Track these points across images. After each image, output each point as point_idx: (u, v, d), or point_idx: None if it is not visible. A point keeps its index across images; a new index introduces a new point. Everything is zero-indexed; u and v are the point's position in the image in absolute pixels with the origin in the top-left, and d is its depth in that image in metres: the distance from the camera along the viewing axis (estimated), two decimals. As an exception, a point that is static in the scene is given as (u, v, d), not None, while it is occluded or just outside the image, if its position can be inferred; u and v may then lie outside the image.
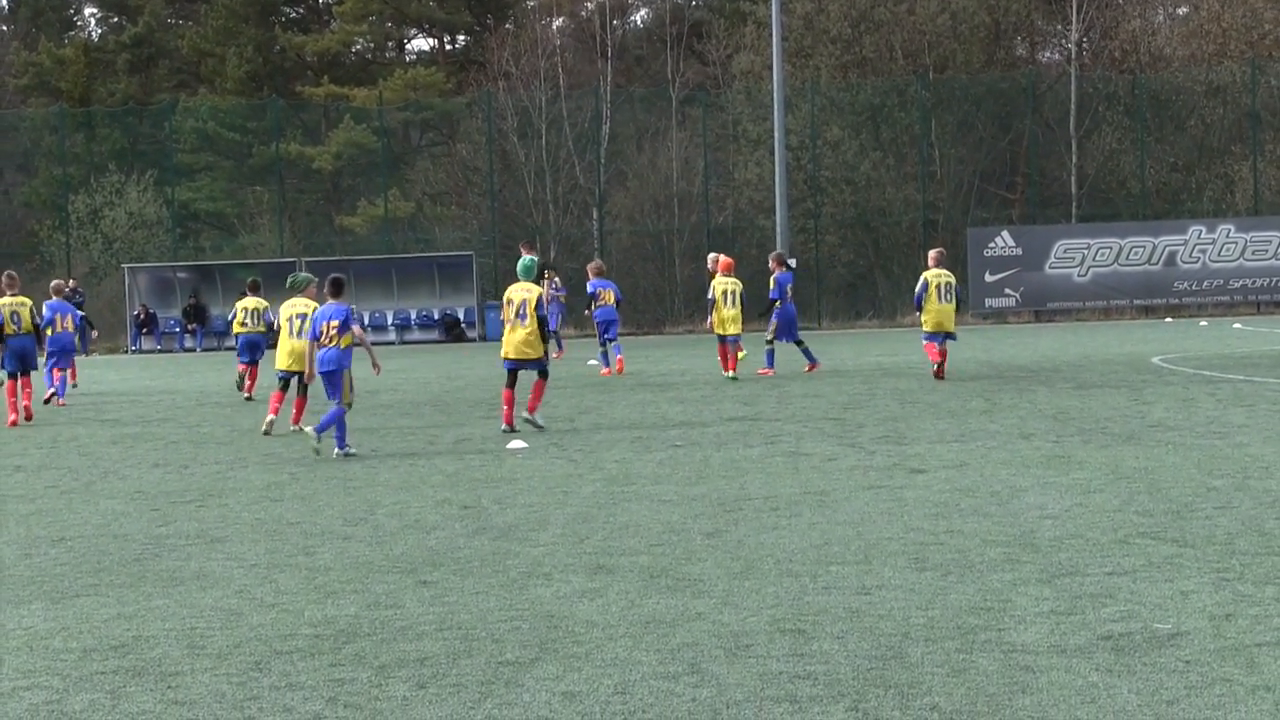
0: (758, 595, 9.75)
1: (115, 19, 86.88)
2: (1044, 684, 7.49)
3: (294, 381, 22.09)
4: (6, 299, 25.76)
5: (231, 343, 32.99)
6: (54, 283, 31.99)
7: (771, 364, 30.17)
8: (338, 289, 19.46)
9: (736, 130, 64.86)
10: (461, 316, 59.61)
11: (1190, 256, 55.72)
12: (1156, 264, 55.74)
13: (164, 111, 68.51)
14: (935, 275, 27.97)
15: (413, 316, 59.83)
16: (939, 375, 27.05)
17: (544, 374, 21.19)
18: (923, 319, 27.89)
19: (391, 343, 57.03)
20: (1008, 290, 56.20)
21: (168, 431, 23.08)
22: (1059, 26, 70.61)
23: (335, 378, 19.14)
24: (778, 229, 55.98)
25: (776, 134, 56.11)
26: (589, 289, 33.30)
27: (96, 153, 68.96)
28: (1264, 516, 11.97)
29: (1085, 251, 56.04)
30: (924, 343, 28.16)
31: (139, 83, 79.28)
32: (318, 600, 10.10)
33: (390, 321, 59.82)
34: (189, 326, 59.63)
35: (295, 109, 72.85)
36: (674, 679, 7.83)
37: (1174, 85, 63.06)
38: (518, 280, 21.27)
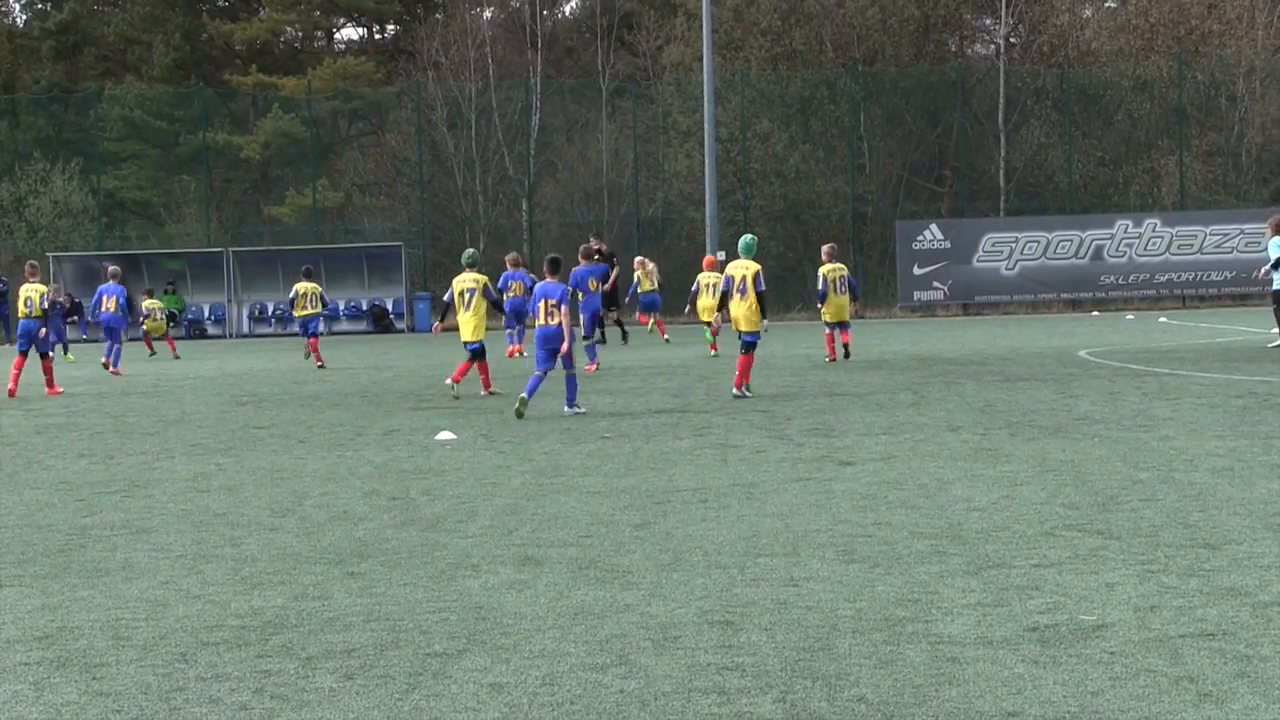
0: (686, 587, 9.75)
1: (40, 5, 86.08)
2: (970, 675, 7.52)
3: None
4: (25, 285, 29.48)
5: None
6: (112, 268, 38.33)
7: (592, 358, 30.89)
8: (555, 268, 21.74)
9: (666, 122, 64.91)
10: (390, 308, 59.43)
11: (1117, 250, 56.11)
12: (1084, 258, 56.10)
13: (90, 99, 67.97)
14: (830, 270, 30.20)
15: (341, 307, 59.57)
16: (835, 359, 29.93)
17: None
18: (824, 312, 30.46)
19: (319, 334, 56.65)
20: (936, 283, 56.46)
21: (93, 422, 22.90)
22: (988, 21, 71.00)
23: (558, 347, 21.21)
24: (707, 221, 56.07)
25: (706, 126, 56.20)
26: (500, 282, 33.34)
27: (21, 140, 68.39)
28: (1188, 509, 12.06)
29: (1013, 245, 56.35)
30: (826, 333, 30.66)
31: (64, 70, 78.61)
32: (244, 591, 10.04)
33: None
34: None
35: (223, 98, 72.42)
36: (602, 670, 7.82)
37: (1102, 80, 63.47)
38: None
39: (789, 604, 9.17)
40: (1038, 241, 56.33)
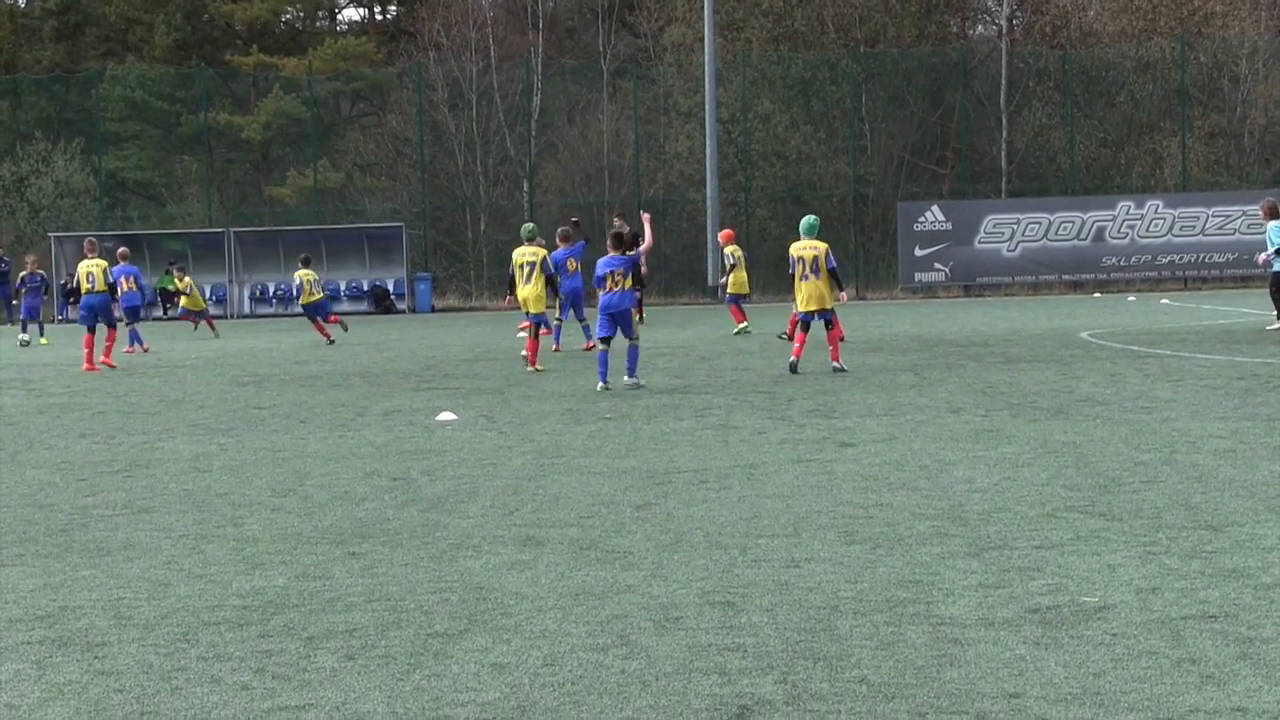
0: (687, 568, 9.76)
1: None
2: (972, 656, 7.52)
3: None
4: (85, 262, 30.22)
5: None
6: (121, 249, 37.43)
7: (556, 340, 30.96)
8: (619, 242, 22.91)
9: (667, 103, 64.80)
10: (391, 288, 59.36)
11: (1119, 232, 56.05)
12: (1085, 239, 56.05)
13: (91, 79, 67.82)
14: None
15: (342, 288, 59.50)
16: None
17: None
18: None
19: (331, 314, 56.64)
20: (937, 265, 56.41)
21: (95, 401, 22.90)
22: (990, 2, 70.91)
23: (623, 317, 22.40)
24: (708, 202, 56.06)
25: (707, 107, 56.12)
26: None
27: (23, 120, 68.22)
28: (1190, 490, 12.06)
29: (1015, 226, 56.30)
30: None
31: (66, 50, 78.41)
32: (246, 571, 10.05)
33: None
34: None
35: (224, 78, 72.22)
36: (603, 650, 7.82)
37: (1104, 61, 63.34)
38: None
39: (790, 585, 9.17)
40: (1039, 223, 56.27)
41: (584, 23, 76.17)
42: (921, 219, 56.45)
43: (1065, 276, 56.64)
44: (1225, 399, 18.56)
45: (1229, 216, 55.39)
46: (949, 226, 56.18)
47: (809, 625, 8.21)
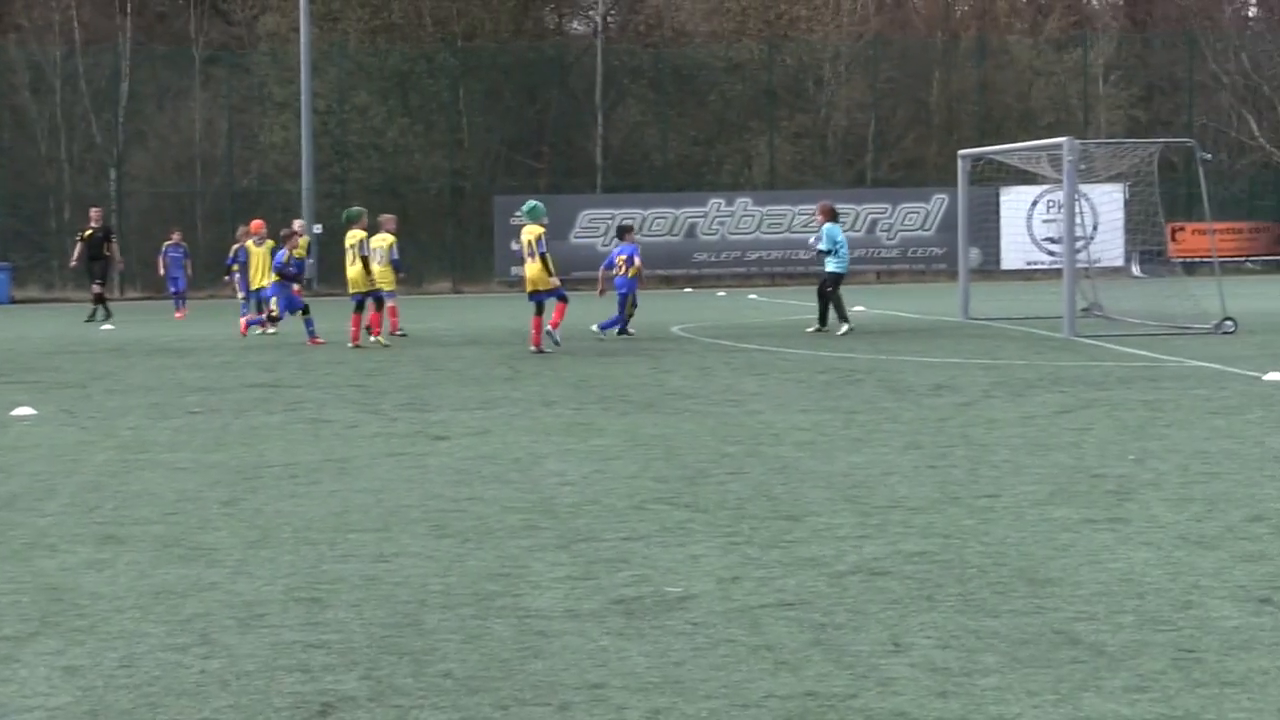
0: (273, 564, 9.61)
1: None
2: (557, 648, 7.57)
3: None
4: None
5: None
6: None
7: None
8: (624, 233, 30.65)
9: (262, 93, 63.85)
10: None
11: (710, 229, 57.25)
12: (678, 235, 57.09)
13: None
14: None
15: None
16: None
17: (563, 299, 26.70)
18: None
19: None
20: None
21: None
22: (586, -1, 71.67)
23: (624, 299, 28.90)
24: (304, 193, 55.44)
25: (303, 97, 55.51)
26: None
27: None
28: (772, 482, 12.37)
29: (609, 222, 56.94)
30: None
31: None
32: None
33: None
34: None
35: None
36: (183, 650, 7.64)
37: (696, 61, 64.60)
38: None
39: (378, 580, 9.11)
40: (633, 218, 57.09)
41: (175, 8, 74.37)
42: (518, 213, 56.55)
43: (658, 271, 57.50)
44: (808, 392, 19.11)
45: (814, 214, 57.00)
46: (545, 220, 56.56)
47: (395, 620, 8.16)
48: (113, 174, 61.38)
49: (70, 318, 41.15)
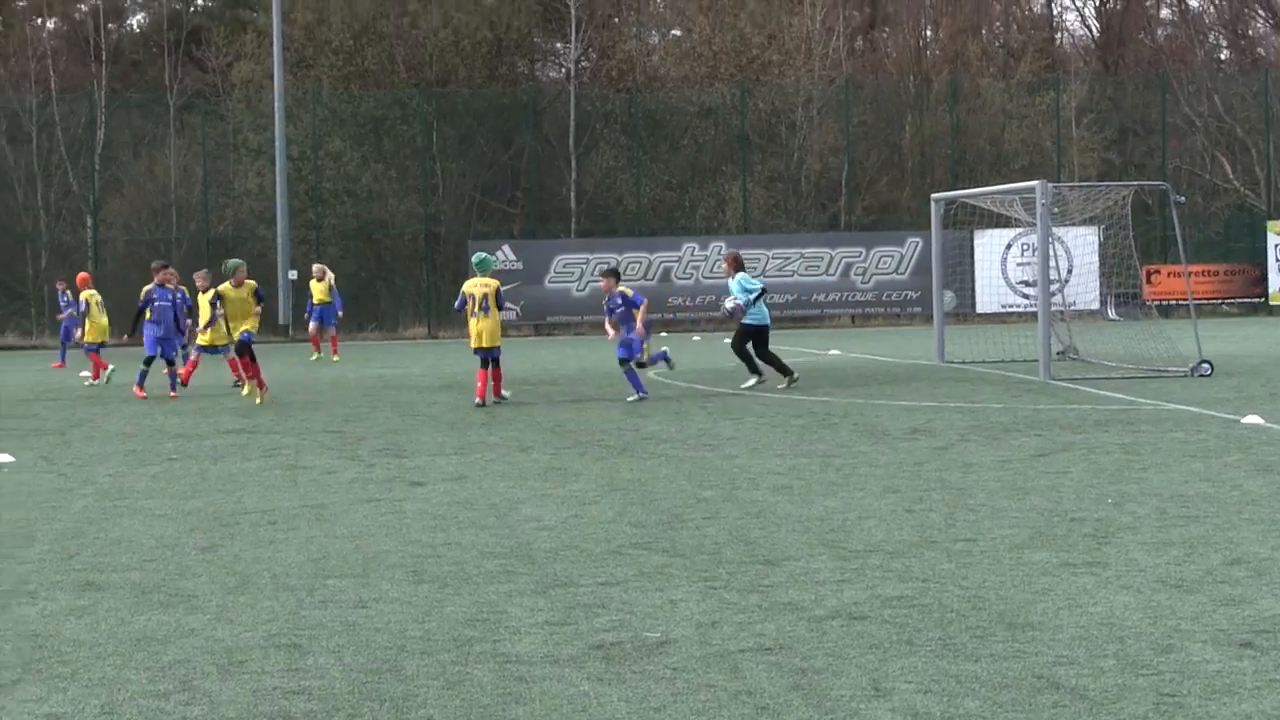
0: (253, 610, 9.62)
1: None
2: (536, 694, 7.60)
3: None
4: None
5: None
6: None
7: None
8: (616, 276, 27.20)
9: (237, 139, 63.89)
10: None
11: (684, 273, 57.33)
12: (652, 279, 57.12)
13: None
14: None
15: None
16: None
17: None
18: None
19: None
20: (508, 304, 56.71)
21: None
22: (559, 45, 71.83)
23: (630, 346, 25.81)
24: (279, 239, 55.44)
25: (278, 144, 55.55)
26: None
27: None
28: (749, 526, 12.40)
29: (584, 266, 57.04)
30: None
31: None
32: None
33: None
34: None
35: None
36: (164, 697, 7.66)
37: (669, 106, 64.78)
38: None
39: (358, 626, 9.13)
40: (608, 263, 57.13)
41: (150, 56, 74.58)
42: (493, 259, 56.72)
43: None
44: (784, 436, 19.16)
45: (788, 259, 57.12)
46: (520, 265, 56.66)
47: (375, 666, 8.18)
48: (89, 221, 61.34)
49: (47, 365, 41.02)
